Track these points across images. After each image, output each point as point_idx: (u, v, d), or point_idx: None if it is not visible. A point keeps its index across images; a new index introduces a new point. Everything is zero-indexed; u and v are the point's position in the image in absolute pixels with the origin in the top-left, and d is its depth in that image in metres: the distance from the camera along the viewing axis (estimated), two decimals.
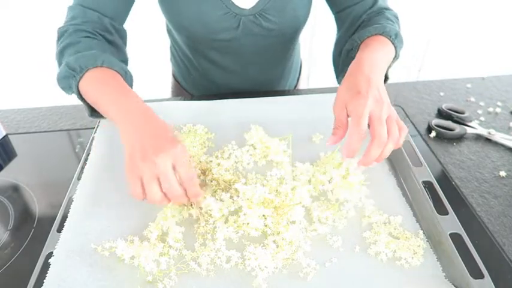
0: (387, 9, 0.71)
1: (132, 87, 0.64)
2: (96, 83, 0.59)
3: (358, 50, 0.64)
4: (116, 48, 0.69)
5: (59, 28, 0.66)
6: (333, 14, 0.76)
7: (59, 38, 0.65)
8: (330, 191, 0.58)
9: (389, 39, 0.63)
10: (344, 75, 0.58)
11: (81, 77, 0.59)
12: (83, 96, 0.61)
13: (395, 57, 0.65)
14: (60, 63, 0.63)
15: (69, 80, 0.60)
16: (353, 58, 0.61)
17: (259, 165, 0.64)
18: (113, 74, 0.60)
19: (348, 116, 0.54)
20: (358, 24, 0.71)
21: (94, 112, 0.63)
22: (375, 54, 0.59)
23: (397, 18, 0.71)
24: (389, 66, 0.66)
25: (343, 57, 0.70)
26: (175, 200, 0.50)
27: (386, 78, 0.69)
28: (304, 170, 0.61)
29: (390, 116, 0.52)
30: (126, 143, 0.51)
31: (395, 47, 0.64)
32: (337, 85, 0.72)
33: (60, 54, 0.63)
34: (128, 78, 0.63)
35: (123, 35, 0.72)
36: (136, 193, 0.49)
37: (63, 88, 0.63)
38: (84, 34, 0.64)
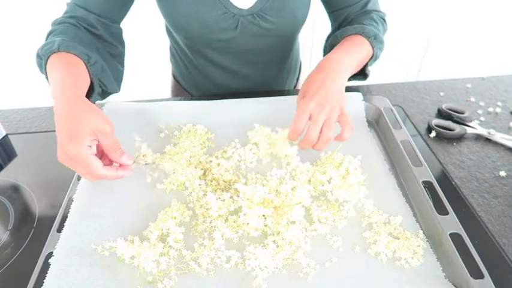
0: (376, 11, 0.76)
1: (103, 72, 0.65)
2: (51, 72, 0.58)
3: None
4: (103, 42, 0.69)
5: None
6: (327, 13, 0.80)
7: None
8: (329, 191, 0.58)
9: (368, 40, 0.68)
10: None
11: (45, 65, 0.59)
12: None
13: (374, 57, 0.70)
14: None
15: (41, 69, 0.61)
16: None
17: (263, 163, 0.64)
18: (68, 60, 0.59)
19: None
20: (346, 23, 0.75)
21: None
22: (345, 55, 0.64)
23: (383, 20, 0.76)
24: (368, 64, 0.72)
25: (328, 51, 0.74)
26: (97, 178, 0.53)
27: (365, 75, 0.75)
28: (304, 169, 0.61)
29: (329, 118, 0.57)
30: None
31: (373, 47, 0.69)
32: None
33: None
34: (93, 61, 0.62)
35: (114, 32, 0.71)
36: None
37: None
38: (66, 24, 0.65)
